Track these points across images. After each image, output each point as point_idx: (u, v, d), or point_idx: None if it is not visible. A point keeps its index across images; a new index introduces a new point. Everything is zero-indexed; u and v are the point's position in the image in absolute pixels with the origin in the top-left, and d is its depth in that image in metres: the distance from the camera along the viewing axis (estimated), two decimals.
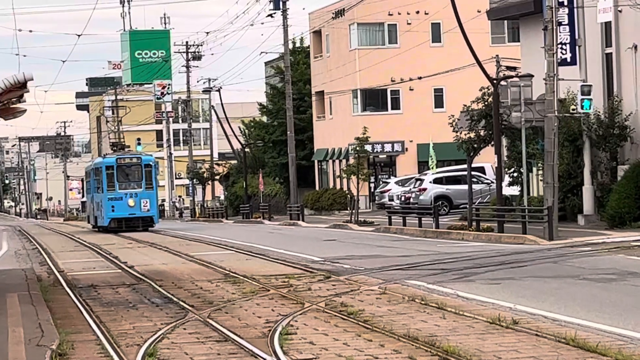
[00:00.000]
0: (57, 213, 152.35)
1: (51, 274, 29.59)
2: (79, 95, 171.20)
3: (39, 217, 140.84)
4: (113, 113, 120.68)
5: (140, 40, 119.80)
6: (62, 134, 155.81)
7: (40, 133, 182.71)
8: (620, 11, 39.43)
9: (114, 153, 62.11)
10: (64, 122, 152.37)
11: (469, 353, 13.93)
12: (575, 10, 38.27)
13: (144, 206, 57.33)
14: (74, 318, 19.37)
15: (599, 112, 39.59)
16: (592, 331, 15.56)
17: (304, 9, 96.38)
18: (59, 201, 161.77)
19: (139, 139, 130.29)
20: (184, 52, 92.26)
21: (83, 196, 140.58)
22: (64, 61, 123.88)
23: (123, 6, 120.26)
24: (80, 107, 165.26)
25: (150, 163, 58.49)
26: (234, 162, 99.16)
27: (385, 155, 74.89)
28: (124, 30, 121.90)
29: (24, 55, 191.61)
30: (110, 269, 30.88)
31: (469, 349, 14.23)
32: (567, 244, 31.95)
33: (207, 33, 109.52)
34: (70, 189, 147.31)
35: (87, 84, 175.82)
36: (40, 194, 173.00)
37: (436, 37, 73.10)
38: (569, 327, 15.78)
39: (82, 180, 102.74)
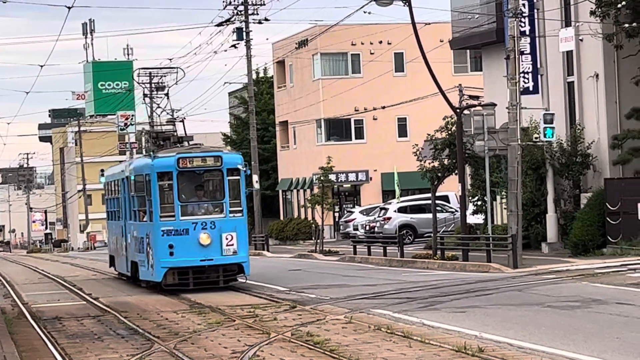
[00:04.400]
0: (20, 245, 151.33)
1: (15, 306, 29.40)
2: (42, 126, 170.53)
3: (1, 249, 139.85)
4: (76, 144, 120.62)
5: (103, 71, 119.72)
6: (25, 165, 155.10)
7: (3, 165, 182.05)
8: (581, 40, 39.72)
9: (170, 149, 32.35)
10: (27, 154, 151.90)
11: None
12: (537, 39, 38.56)
13: (227, 244, 30.19)
14: (39, 350, 19.28)
15: (562, 140, 39.83)
16: (557, 358, 15.64)
17: (267, 39, 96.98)
18: (22, 233, 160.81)
19: (102, 170, 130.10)
20: (147, 83, 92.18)
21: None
22: (27, 92, 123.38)
23: (86, 37, 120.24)
24: (43, 139, 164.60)
25: (238, 166, 30.92)
26: None
27: (349, 185, 74.95)
28: (87, 61, 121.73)
29: None
30: (75, 301, 30.71)
31: None
32: (532, 272, 32.06)
33: (170, 60, 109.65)
34: (34, 221, 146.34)
35: (50, 116, 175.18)
36: (3, 226, 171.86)
37: (399, 66, 73.37)
38: (535, 355, 15.86)
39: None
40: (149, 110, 33.77)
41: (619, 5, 36.18)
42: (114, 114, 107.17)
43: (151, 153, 31.78)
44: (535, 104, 38.63)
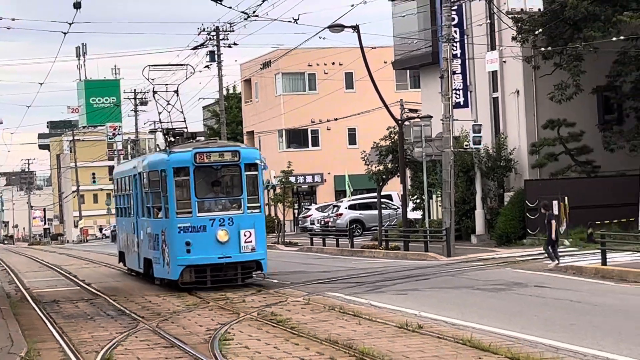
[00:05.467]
0: (22, 239, 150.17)
1: (18, 291, 29.17)
2: (41, 136, 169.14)
3: (6, 242, 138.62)
4: (71, 151, 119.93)
5: (94, 88, 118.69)
6: (27, 170, 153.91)
7: (7, 169, 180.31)
8: (504, 62, 39.89)
9: (186, 144, 27.40)
10: (28, 160, 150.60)
11: (381, 354, 13.96)
12: (467, 61, 38.68)
13: (245, 241, 25.73)
14: (40, 329, 19.13)
15: (488, 147, 39.96)
16: (485, 333, 15.68)
17: (236, 60, 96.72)
18: (24, 228, 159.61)
19: (93, 174, 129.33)
20: (132, 98, 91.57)
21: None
22: (28, 106, 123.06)
23: (79, 59, 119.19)
24: (42, 147, 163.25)
25: (256, 161, 26.54)
26: None
27: (307, 186, 74.89)
28: (80, 80, 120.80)
29: None
30: (70, 286, 30.50)
31: (381, 350, 14.26)
32: (463, 260, 32.14)
33: (153, 79, 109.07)
34: (34, 218, 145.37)
35: (48, 127, 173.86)
36: (7, 222, 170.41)
37: (349, 84, 73.47)
38: (466, 330, 15.88)
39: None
40: (157, 110, 29.68)
41: (536, 32, 36.34)
42: (104, 125, 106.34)
43: (167, 148, 27.20)
44: (465, 116, 38.75)
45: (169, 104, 29.98)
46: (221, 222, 25.42)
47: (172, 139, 28.46)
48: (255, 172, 26.14)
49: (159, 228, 26.61)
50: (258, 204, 26.14)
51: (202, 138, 28.81)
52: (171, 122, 29.68)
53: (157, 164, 26.86)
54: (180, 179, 25.61)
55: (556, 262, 27.46)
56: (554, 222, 28.25)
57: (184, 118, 29.65)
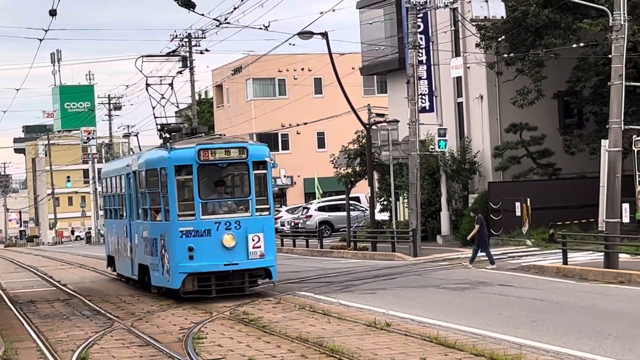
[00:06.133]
0: None
1: None
2: (16, 140, 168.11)
3: None
4: (46, 155, 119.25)
5: (69, 93, 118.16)
6: (2, 173, 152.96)
7: None
8: (468, 68, 40.06)
9: (188, 140, 24.35)
10: (4, 163, 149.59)
11: (350, 351, 14.00)
12: (432, 67, 38.81)
13: (253, 246, 22.63)
14: (17, 329, 19.04)
15: (453, 150, 40.10)
16: (451, 331, 15.75)
17: (207, 66, 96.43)
18: (0, 230, 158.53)
19: (68, 177, 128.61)
20: (106, 103, 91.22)
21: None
22: (4, 111, 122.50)
23: (54, 65, 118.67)
24: (17, 151, 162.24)
25: (266, 159, 23.35)
26: None
27: (277, 188, 74.79)
28: (55, 85, 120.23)
29: None
30: (46, 287, 30.32)
31: (350, 348, 14.30)
32: (429, 260, 32.22)
33: (127, 86, 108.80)
34: (10, 220, 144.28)
35: (23, 131, 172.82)
36: None
37: (318, 89, 73.52)
38: (433, 328, 15.94)
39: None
40: (151, 104, 26.84)
41: (499, 39, 36.55)
42: (78, 130, 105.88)
43: (167, 144, 23.89)
44: (431, 121, 38.88)
45: (163, 97, 27.31)
46: (227, 225, 22.34)
47: (168, 135, 25.66)
48: (264, 171, 23.07)
49: (157, 232, 23.48)
50: (267, 206, 22.99)
51: (204, 134, 25.66)
52: (166, 117, 27.13)
53: (156, 161, 23.66)
54: (182, 178, 22.63)
55: (471, 266, 28.06)
56: (477, 227, 28.77)
57: (180, 113, 26.65)
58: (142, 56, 27.13)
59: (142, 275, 25.44)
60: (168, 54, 29.41)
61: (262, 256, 22.47)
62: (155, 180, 23.60)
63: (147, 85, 27.30)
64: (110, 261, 31.13)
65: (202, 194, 22.54)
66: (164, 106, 27.31)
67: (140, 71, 27.23)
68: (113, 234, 30.13)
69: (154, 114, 27.12)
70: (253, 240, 22.39)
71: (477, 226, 28.86)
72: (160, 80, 27.80)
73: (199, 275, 22.43)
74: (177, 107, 26.60)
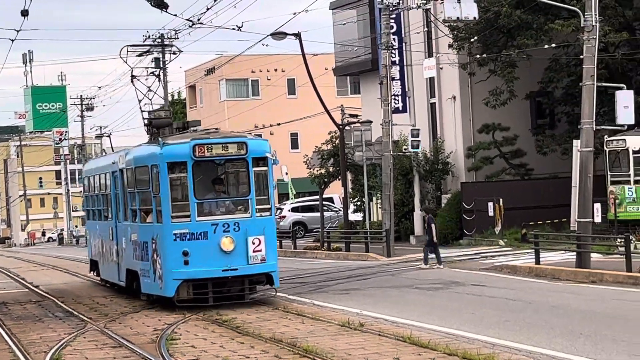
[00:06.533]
0: None
1: None
2: None
3: None
4: (18, 156, 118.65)
5: (41, 94, 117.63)
6: None
7: None
8: (441, 68, 40.20)
9: (182, 134, 22.47)
10: None
11: (324, 351, 14.01)
12: (405, 67, 38.89)
13: (254, 250, 20.71)
14: None
15: (426, 151, 40.24)
16: (425, 330, 15.79)
17: (180, 67, 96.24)
18: None
19: (40, 178, 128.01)
20: (79, 104, 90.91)
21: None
22: None
23: (26, 65, 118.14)
24: None
25: (266, 155, 21.27)
26: None
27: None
28: (27, 86, 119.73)
29: None
30: (18, 289, 30.14)
31: (324, 348, 14.31)
32: (402, 260, 32.28)
33: (99, 87, 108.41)
34: None
35: None
36: None
37: (291, 90, 73.53)
38: (406, 328, 15.97)
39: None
40: (137, 97, 25.29)
41: (472, 40, 36.69)
42: (50, 131, 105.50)
43: (159, 139, 21.47)
44: (404, 121, 38.97)
45: (150, 90, 25.74)
46: (225, 227, 20.19)
47: (156, 130, 23.74)
48: (265, 168, 20.86)
49: (148, 235, 21.16)
50: (268, 206, 20.87)
51: (198, 128, 23.20)
52: (153, 110, 25.06)
53: (147, 158, 21.41)
54: (176, 176, 20.45)
55: (426, 266, 28.28)
56: (433, 226, 28.99)
57: (169, 107, 24.24)
58: (127, 45, 25.55)
59: (131, 281, 23.20)
60: (153, 44, 27.68)
61: (263, 260, 20.53)
62: (146, 179, 21.38)
63: (133, 77, 25.82)
64: (94, 265, 28.69)
65: (198, 194, 20.39)
66: (150, 99, 25.83)
67: (125, 61, 25.65)
68: (96, 237, 27.75)
69: (140, 108, 25.70)
70: (253, 243, 20.39)
71: (433, 226, 29.17)
72: (146, 71, 26.04)
73: (195, 282, 20.27)
74: (166, 99, 23.56)
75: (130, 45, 25.42)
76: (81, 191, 44.81)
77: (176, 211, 20.33)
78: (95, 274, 28.72)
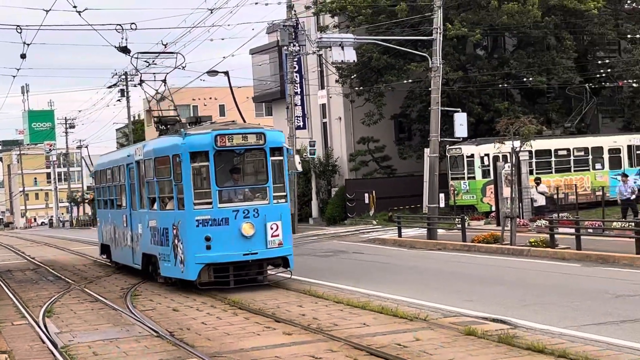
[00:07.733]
0: None
1: None
2: None
3: None
4: (18, 162, 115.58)
5: (35, 116, 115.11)
6: None
7: None
8: (330, 97, 40.38)
9: (203, 126, 17.26)
10: None
11: (247, 303, 13.90)
12: (305, 96, 38.95)
13: (272, 235, 15.89)
14: None
15: (320, 157, 40.34)
16: (320, 286, 15.76)
17: (139, 96, 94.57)
18: None
19: (35, 178, 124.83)
20: (63, 123, 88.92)
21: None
22: None
23: (24, 95, 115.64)
24: None
25: (282, 146, 16.50)
26: None
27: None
28: (25, 110, 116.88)
29: None
30: (20, 260, 29.43)
31: (245, 302, 14.20)
32: (303, 236, 32.32)
33: (79, 111, 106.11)
34: None
35: (0, 144, 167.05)
36: None
37: (222, 113, 72.98)
38: (306, 284, 15.94)
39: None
40: (146, 99, 22.42)
41: (352, 77, 36.95)
42: (42, 143, 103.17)
43: (182, 130, 16.92)
44: (304, 135, 39.03)
45: (157, 92, 22.10)
46: (246, 213, 15.87)
47: (164, 127, 19.99)
48: (281, 157, 16.58)
49: (169, 221, 16.67)
50: (284, 193, 16.56)
51: (210, 121, 19.48)
52: (161, 110, 21.45)
53: (168, 149, 16.76)
54: (198, 165, 16.05)
55: None
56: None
57: (175, 107, 20.78)
58: (138, 53, 22.21)
59: (146, 265, 18.84)
60: (161, 52, 24.48)
61: (281, 245, 16.11)
62: (166, 168, 16.78)
63: (141, 81, 22.70)
64: (104, 249, 23.83)
65: (219, 181, 16.01)
66: (158, 101, 22.12)
67: (135, 67, 22.61)
68: (109, 224, 22.70)
69: (149, 108, 22.27)
70: (271, 228, 16.05)
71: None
72: (154, 77, 22.20)
73: (216, 266, 15.96)
74: (172, 101, 21.17)
75: (141, 53, 22.27)
76: (66, 187, 41.62)
77: (198, 198, 15.95)
78: (105, 256, 23.83)
